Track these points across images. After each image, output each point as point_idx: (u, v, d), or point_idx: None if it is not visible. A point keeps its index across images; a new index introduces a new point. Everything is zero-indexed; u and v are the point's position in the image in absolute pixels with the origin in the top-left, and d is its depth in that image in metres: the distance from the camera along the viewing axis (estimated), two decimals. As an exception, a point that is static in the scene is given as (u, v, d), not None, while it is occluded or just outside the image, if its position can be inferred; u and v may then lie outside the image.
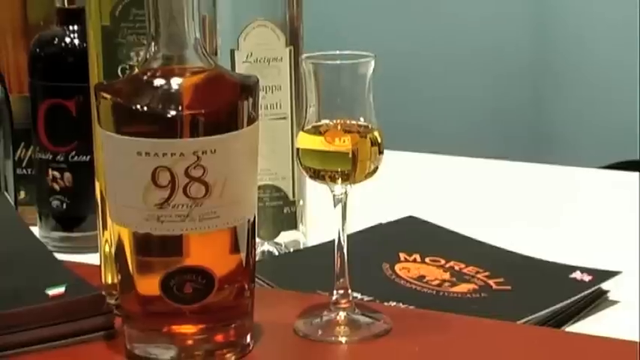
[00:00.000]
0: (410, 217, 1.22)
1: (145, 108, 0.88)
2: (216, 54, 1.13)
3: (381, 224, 1.20)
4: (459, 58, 2.79)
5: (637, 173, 1.48)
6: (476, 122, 2.78)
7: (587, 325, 1.01)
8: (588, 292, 1.04)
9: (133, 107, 0.89)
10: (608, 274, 1.06)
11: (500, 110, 2.81)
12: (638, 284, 1.08)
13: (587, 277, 1.06)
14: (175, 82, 0.90)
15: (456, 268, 1.10)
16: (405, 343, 0.94)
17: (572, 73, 2.75)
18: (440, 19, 2.78)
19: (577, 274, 1.07)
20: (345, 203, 0.95)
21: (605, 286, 1.06)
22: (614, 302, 1.05)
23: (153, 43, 0.90)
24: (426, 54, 2.78)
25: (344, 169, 0.93)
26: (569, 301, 1.02)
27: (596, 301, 1.05)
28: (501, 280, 1.07)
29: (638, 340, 0.94)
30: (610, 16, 2.66)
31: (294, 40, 1.14)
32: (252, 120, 0.91)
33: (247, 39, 1.13)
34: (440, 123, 2.76)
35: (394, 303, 1.02)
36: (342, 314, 0.96)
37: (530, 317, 0.99)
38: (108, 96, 0.90)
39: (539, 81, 2.80)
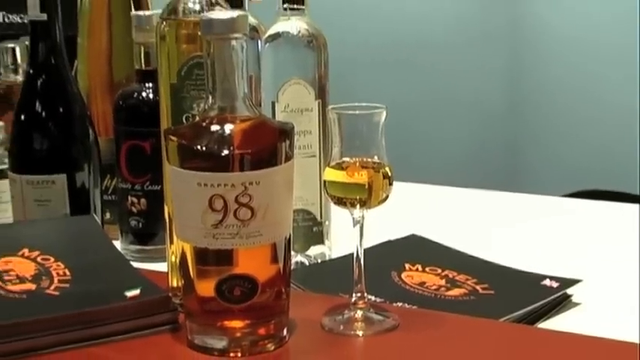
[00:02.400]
0: (413, 235, 1.20)
1: (204, 148, 0.87)
2: (260, 105, 1.12)
3: (390, 241, 1.19)
4: (451, 109, 2.79)
5: (593, 201, 1.47)
6: (466, 159, 2.78)
7: (554, 323, 0.99)
8: (556, 296, 1.02)
9: (194, 147, 0.88)
10: (572, 282, 1.05)
11: (484, 149, 2.80)
12: (596, 290, 1.06)
13: (555, 284, 1.04)
14: (228, 128, 0.89)
15: (450, 275, 1.08)
16: (410, 336, 0.93)
17: (540, 119, 2.74)
18: (434, 77, 2.77)
19: (547, 282, 1.05)
20: (362, 224, 0.94)
21: (569, 291, 1.04)
22: (576, 304, 1.03)
23: (210, 97, 0.89)
24: (425, 106, 2.78)
25: (361, 197, 0.92)
26: (540, 303, 1.01)
27: (562, 303, 1.03)
28: (486, 285, 1.06)
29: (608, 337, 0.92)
30: (572, 72, 2.65)
31: (321, 94, 1.13)
32: (288, 158, 0.90)
33: (285, 93, 1.12)
34: (436, 160, 2.75)
35: (401, 304, 1.01)
36: (359, 312, 0.95)
37: (509, 316, 0.98)
38: (175, 138, 0.89)
39: (514, 125, 2.79)
